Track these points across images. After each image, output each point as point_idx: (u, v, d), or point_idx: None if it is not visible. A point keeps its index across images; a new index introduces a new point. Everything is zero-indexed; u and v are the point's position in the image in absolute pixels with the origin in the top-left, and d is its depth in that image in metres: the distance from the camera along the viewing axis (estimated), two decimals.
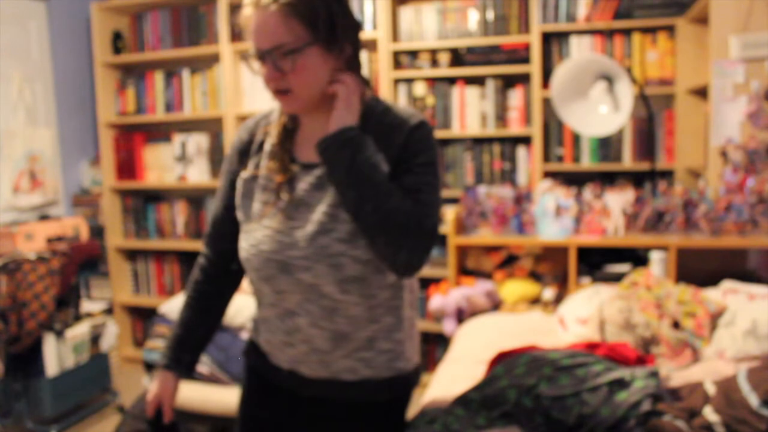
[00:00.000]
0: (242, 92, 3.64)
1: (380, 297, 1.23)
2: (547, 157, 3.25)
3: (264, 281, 1.23)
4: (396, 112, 1.21)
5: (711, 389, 1.57)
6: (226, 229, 1.32)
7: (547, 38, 3.20)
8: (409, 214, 1.14)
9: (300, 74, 1.13)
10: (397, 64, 3.39)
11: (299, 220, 1.20)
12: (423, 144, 1.19)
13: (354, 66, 1.20)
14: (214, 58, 3.65)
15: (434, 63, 3.32)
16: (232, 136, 3.52)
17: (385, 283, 1.22)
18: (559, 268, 2.82)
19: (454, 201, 3.34)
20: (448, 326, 2.67)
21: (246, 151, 1.29)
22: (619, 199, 2.68)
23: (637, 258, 2.72)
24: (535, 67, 3.14)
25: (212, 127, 3.77)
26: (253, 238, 1.22)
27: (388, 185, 1.14)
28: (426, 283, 3.46)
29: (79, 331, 3.05)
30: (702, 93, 2.90)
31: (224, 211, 1.32)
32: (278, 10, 1.10)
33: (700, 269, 2.53)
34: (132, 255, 4.01)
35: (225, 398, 2.45)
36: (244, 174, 1.27)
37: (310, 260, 1.17)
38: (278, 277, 1.20)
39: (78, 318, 3.08)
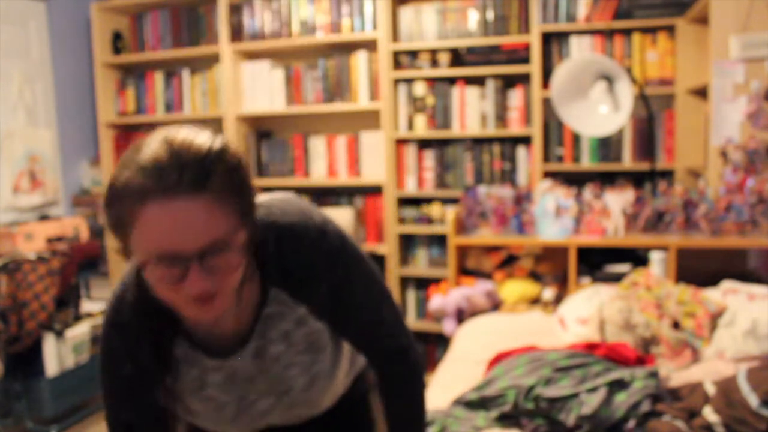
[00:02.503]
0: (242, 92, 3.64)
1: (340, 370, 1.14)
2: (547, 157, 3.25)
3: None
4: (293, 250, 0.96)
5: (711, 389, 1.57)
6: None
7: (547, 38, 3.20)
8: (417, 389, 1.11)
9: (231, 271, 0.85)
10: (397, 64, 3.39)
11: (250, 394, 1.04)
12: (341, 282, 0.99)
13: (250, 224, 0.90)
14: (214, 58, 3.65)
15: (434, 63, 3.32)
16: (232, 136, 3.52)
17: (341, 359, 1.14)
18: (559, 268, 2.82)
19: (454, 201, 3.34)
20: (448, 326, 2.67)
21: (146, 359, 0.98)
22: (619, 199, 2.68)
23: (637, 258, 2.72)
24: (535, 67, 3.14)
25: (212, 127, 3.76)
26: (209, 424, 1.07)
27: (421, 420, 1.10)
28: (426, 283, 3.46)
29: (79, 331, 3.05)
30: (702, 93, 2.90)
31: (139, 417, 1.03)
32: (206, 192, 0.80)
33: (700, 269, 2.53)
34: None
35: None
36: (169, 381, 1.01)
37: (283, 417, 1.09)
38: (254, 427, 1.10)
39: (78, 318, 3.08)
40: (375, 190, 3.51)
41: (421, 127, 3.38)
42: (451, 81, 3.34)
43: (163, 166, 0.79)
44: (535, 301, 2.75)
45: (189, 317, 0.91)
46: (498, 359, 1.89)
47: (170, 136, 0.83)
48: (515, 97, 3.27)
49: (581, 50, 3.13)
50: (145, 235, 0.80)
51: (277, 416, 1.08)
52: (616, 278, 2.52)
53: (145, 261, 0.82)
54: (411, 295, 3.54)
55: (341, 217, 3.38)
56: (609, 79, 2.72)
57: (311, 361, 1.03)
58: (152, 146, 0.81)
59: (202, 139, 0.83)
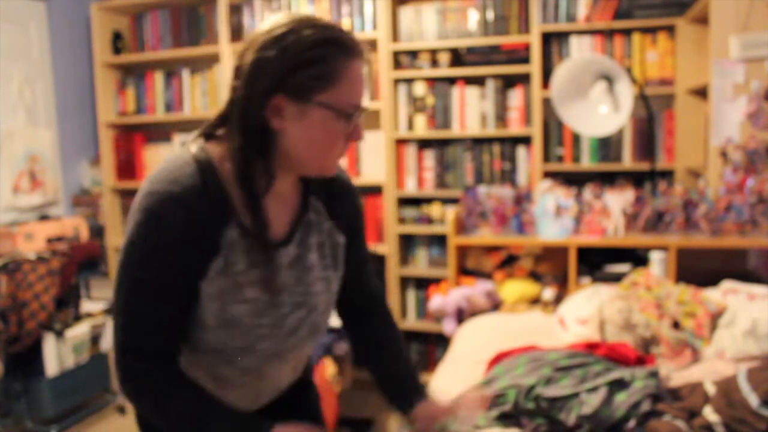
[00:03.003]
0: None
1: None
2: (547, 157, 3.25)
3: (252, 371, 1.11)
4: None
5: (711, 389, 1.57)
6: (176, 330, 1.03)
7: (547, 38, 3.20)
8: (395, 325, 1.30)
9: None
10: (397, 64, 3.39)
11: (285, 305, 1.07)
12: (361, 207, 1.23)
13: None
14: (214, 58, 3.65)
15: (434, 63, 3.32)
16: None
17: None
18: (559, 268, 2.82)
19: (454, 201, 3.34)
20: (448, 326, 2.67)
21: (199, 239, 0.98)
22: (619, 199, 2.68)
23: (637, 258, 2.72)
24: (535, 67, 3.14)
25: None
26: (244, 339, 1.05)
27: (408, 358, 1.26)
28: (426, 283, 3.46)
29: (79, 331, 3.05)
30: (702, 93, 2.90)
31: (176, 312, 1.01)
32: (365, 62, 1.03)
33: (700, 269, 2.53)
34: None
35: None
36: (215, 270, 1.00)
37: (300, 343, 1.12)
38: (271, 362, 1.11)
39: (78, 318, 3.08)
40: (375, 190, 3.51)
41: (421, 127, 3.38)
42: (451, 81, 3.34)
43: (348, 32, 1.01)
44: (535, 301, 2.75)
45: (321, 172, 1.06)
46: (498, 359, 1.89)
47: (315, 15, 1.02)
48: (515, 97, 3.27)
49: (581, 50, 3.13)
50: (352, 88, 0.98)
51: (303, 334, 1.11)
52: (616, 278, 2.52)
53: (340, 111, 0.98)
54: (411, 295, 3.53)
55: None
56: (609, 79, 2.72)
57: (332, 279, 1.15)
58: (321, 19, 1.01)
59: None
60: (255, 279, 1.02)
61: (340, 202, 1.15)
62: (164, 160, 1.02)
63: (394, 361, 1.23)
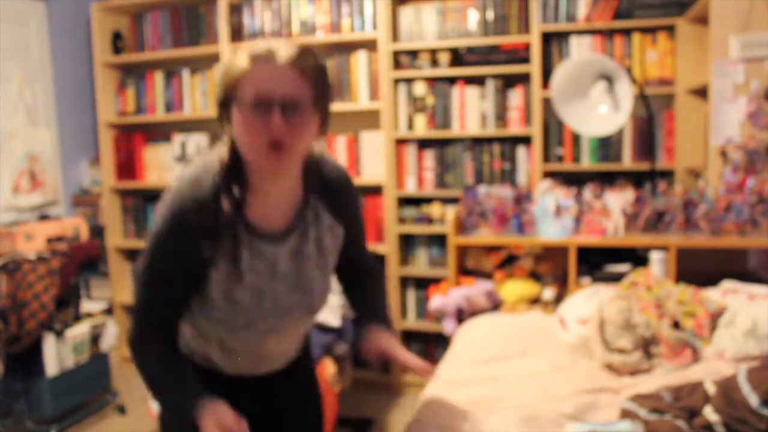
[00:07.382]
0: None
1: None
2: (547, 157, 3.25)
3: (253, 343, 1.32)
4: (330, 169, 1.32)
5: (711, 389, 1.57)
6: (181, 311, 1.26)
7: (547, 38, 3.20)
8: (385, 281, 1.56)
9: (301, 130, 1.13)
10: (397, 64, 3.39)
11: (281, 291, 1.27)
12: (358, 201, 1.41)
13: (324, 132, 1.24)
14: (214, 58, 3.65)
15: (434, 63, 3.32)
16: None
17: None
18: (559, 268, 2.82)
19: (454, 201, 3.34)
20: (448, 326, 2.67)
21: (206, 235, 1.17)
22: (619, 199, 2.68)
23: (637, 258, 2.72)
24: (535, 67, 3.14)
25: (212, 127, 3.77)
26: (245, 317, 1.25)
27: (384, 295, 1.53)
28: (426, 283, 3.46)
29: (79, 331, 3.05)
30: (702, 93, 2.90)
31: (180, 299, 1.24)
32: (293, 67, 1.13)
33: (700, 269, 2.53)
34: (132, 255, 4.01)
35: None
36: (223, 262, 1.19)
37: (296, 322, 1.34)
38: (269, 336, 1.32)
39: (78, 318, 3.09)
40: (375, 190, 3.51)
41: (421, 127, 3.38)
42: (451, 81, 3.34)
43: (252, 48, 1.14)
44: (535, 301, 2.75)
45: (262, 166, 1.15)
46: None
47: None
48: (515, 97, 3.27)
49: (581, 50, 3.13)
50: (251, 86, 1.11)
51: (299, 314, 1.31)
52: (616, 278, 2.52)
53: (243, 107, 1.11)
54: (411, 295, 3.54)
55: None
56: (609, 79, 2.71)
57: (327, 267, 1.33)
58: (242, 52, 1.15)
59: (309, 45, 1.19)
60: (257, 268, 1.22)
61: (337, 198, 1.32)
62: (191, 166, 1.22)
63: (367, 295, 1.50)
